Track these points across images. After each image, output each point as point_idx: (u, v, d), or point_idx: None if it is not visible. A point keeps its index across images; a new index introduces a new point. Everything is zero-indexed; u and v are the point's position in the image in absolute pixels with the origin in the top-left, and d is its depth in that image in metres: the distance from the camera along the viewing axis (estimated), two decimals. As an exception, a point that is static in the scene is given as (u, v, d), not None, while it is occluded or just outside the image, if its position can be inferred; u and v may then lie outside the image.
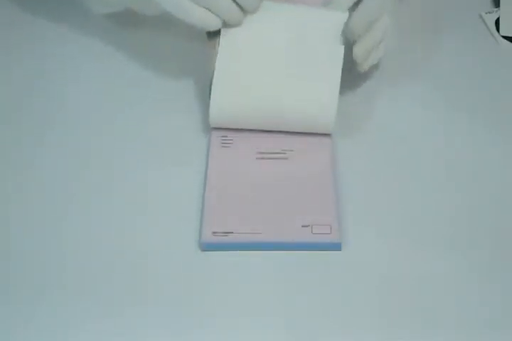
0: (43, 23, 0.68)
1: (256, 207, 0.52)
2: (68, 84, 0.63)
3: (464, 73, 0.64)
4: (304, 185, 0.54)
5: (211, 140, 0.57)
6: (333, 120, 0.55)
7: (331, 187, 0.54)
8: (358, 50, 0.55)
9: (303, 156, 0.56)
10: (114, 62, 0.64)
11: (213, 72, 0.56)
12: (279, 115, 0.56)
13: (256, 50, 0.56)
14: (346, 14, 0.56)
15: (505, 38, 0.67)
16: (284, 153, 0.56)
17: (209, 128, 0.58)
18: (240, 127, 0.57)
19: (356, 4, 0.56)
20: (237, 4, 0.54)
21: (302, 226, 0.51)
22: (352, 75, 0.59)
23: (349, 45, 0.56)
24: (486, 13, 0.69)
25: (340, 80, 0.55)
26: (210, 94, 0.55)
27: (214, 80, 0.55)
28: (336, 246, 0.51)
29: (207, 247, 0.51)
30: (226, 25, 0.55)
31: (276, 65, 0.56)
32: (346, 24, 0.55)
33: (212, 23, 0.55)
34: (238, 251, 0.51)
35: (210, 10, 0.53)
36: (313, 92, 0.55)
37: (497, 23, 0.68)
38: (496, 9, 0.70)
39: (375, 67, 0.60)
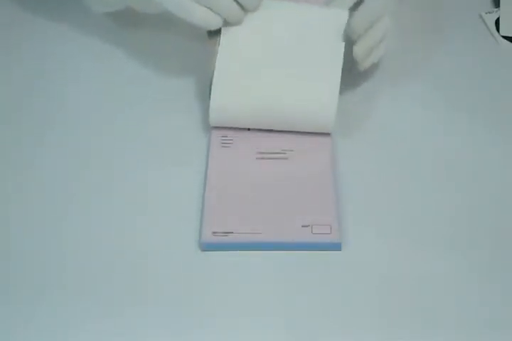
0: (43, 23, 0.68)
1: (256, 207, 0.52)
2: (68, 84, 0.63)
3: (464, 73, 0.64)
4: (304, 185, 0.54)
5: (211, 140, 0.57)
6: (333, 119, 0.55)
7: (331, 187, 0.54)
8: (358, 49, 0.55)
9: (303, 156, 0.56)
10: (114, 61, 0.64)
11: (213, 71, 0.56)
12: (279, 114, 0.56)
13: (256, 49, 0.56)
14: (347, 13, 0.56)
15: (505, 38, 0.67)
16: (284, 153, 0.56)
17: (209, 128, 0.58)
18: (239, 126, 0.57)
19: (357, 3, 0.56)
20: (238, 3, 0.54)
21: (302, 226, 0.51)
22: (352, 75, 0.59)
23: (349, 44, 0.56)
24: (486, 13, 0.69)
25: (340, 79, 0.55)
26: (210, 93, 0.55)
27: (214, 79, 0.55)
28: (336, 246, 0.51)
29: (207, 247, 0.51)
30: (226, 24, 0.55)
31: (277, 63, 0.56)
32: (348, 23, 0.55)
33: (213, 22, 0.55)
34: (238, 251, 0.51)
35: (210, 9, 0.54)
36: (313, 91, 0.55)
37: (497, 23, 0.68)
38: (495, 9, 0.70)
39: (375, 66, 0.60)
